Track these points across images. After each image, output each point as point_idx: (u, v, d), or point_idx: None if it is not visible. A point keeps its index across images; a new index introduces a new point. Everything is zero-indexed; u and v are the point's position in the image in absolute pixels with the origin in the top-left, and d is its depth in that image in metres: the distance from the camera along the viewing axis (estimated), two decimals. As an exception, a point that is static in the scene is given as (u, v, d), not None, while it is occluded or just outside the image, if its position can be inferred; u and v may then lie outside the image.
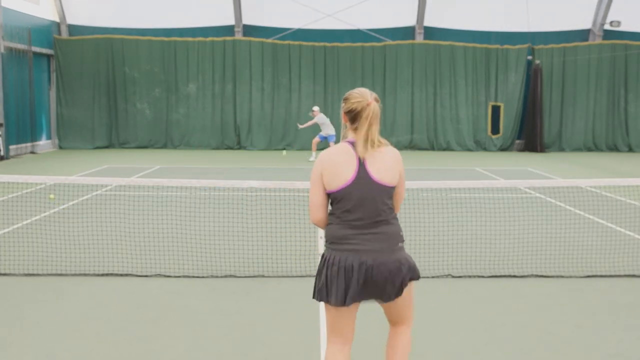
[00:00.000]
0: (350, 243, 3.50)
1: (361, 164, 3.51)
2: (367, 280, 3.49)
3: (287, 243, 8.31)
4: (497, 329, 5.60)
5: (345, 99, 3.62)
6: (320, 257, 3.68)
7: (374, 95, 3.60)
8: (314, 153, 21.11)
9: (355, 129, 3.58)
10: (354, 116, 3.57)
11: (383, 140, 3.61)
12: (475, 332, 5.54)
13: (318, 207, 3.61)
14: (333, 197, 3.58)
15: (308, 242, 8.42)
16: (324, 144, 21.54)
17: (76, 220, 10.16)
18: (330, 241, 3.59)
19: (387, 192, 3.56)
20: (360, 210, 3.51)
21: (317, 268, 3.71)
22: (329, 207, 3.67)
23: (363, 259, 3.47)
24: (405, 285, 3.58)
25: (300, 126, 22.33)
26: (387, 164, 3.55)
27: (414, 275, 3.63)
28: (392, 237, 3.55)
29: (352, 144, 3.58)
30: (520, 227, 9.50)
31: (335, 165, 3.53)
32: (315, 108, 21.54)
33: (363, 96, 3.55)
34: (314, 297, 3.66)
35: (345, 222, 3.53)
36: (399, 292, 3.57)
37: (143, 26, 25.41)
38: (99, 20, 25.40)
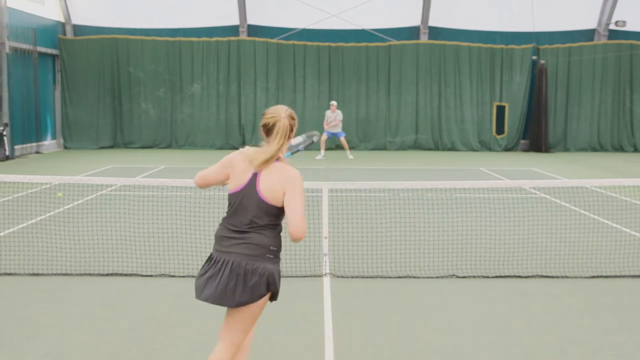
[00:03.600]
0: (223, 245, 3.75)
1: (254, 176, 3.72)
2: (229, 280, 3.64)
3: (291, 243, 8.30)
4: (501, 329, 5.59)
5: (263, 114, 3.86)
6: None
7: (289, 112, 3.82)
8: (322, 151, 21.08)
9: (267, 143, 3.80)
10: (267, 130, 3.80)
11: (282, 161, 3.76)
12: (479, 332, 5.54)
13: (208, 177, 3.92)
14: (229, 199, 3.80)
15: (311, 243, 8.42)
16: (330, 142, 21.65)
17: (81, 220, 10.18)
18: (215, 239, 3.85)
19: (266, 208, 3.68)
20: (237, 217, 3.73)
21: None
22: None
23: (230, 260, 3.67)
24: (262, 294, 3.66)
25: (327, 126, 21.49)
26: (274, 182, 3.67)
27: (273, 287, 3.70)
28: (259, 246, 3.67)
29: None
30: (525, 228, 9.48)
31: (238, 167, 3.77)
32: (334, 102, 21.68)
33: (277, 112, 3.79)
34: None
35: (226, 225, 3.79)
36: (253, 298, 3.64)
37: (148, 26, 25.44)
38: (104, 21, 25.45)
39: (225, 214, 3.87)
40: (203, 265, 3.87)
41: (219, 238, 3.82)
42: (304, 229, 3.57)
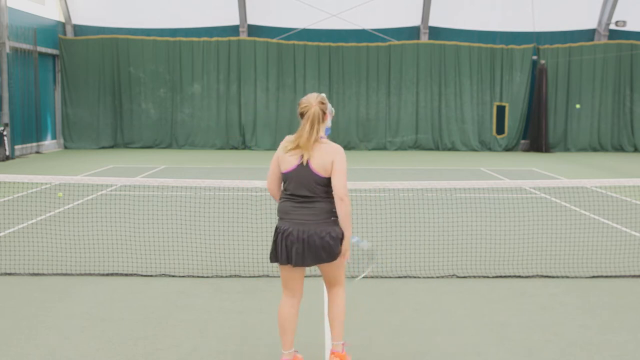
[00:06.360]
0: (292, 215, 4.39)
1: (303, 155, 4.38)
2: (304, 245, 4.34)
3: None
4: (501, 329, 5.59)
5: (298, 104, 4.47)
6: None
7: (320, 98, 4.41)
8: None
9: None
10: (302, 117, 4.41)
11: (324, 139, 4.41)
12: (479, 332, 5.53)
13: (272, 180, 4.55)
14: (283, 178, 4.47)
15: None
16: None
17: (81, 220, 10.18)
18: (279, 214, 4.50)
19: (319, 180, 4.34)
20: (299, 191, 4.38)
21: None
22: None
23: (301, 229, 4.33)
24: (337, 252, 4.36)
25: None
26: (322, 157, 4.33)
27: (338, 245, 4.37)
28: (322, 211, 4.36)
29: None
30: (525, 228, 9.48)
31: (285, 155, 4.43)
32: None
33: (309, 101, 4.40)
34: (270, 261, 4.52)
35: (289, 199, 4.43)
36: (332, 256, 4.36)
37: (148, 26, 25.46)
38: (104, 21, 25.46)
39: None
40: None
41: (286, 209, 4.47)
42: (346, 190, 4.31)
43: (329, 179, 4.33)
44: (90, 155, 22.00)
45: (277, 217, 4.51)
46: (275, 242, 4.45)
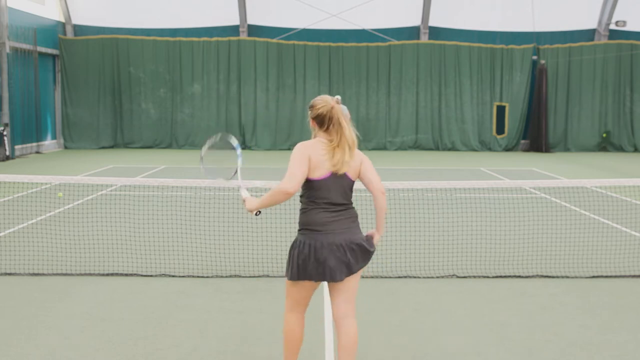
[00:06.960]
0: (332, 226, 4.06)
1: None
2: (355, 254, 4.10)
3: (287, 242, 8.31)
4: (501, 329, 5.59)
5: (311, 107, 4.15)
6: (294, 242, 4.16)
7: (335, 98, 4.12)
8: None
9: (326, 130, 4.11)
10: (321, 120, 4.09)
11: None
12: (479, 332, 5.53)
13: (299, 183, 3.99)
14: (310, 186, 4.06)
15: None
16: None
17: (81, 220, 10.18)
18: (311, 226, 4.08)
19: (351, 185, 4.17)
20: (338, 198, 4.09)
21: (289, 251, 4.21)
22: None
23: (347, 238, 4.07)
24: (372, 251, 4.17)
25: None
26: (353, 161, 4.11)
27: (371, 245, 4.20)
28: (355, 217, 4.20)
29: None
30: (525, 228, 9.48)
31: (319, 156, 4.03)
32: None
33: (326, 101, 4.09)
34: (291, 279, 4.16)
35: (325, 210, 4.07)
36: (369, 256, 4.16)
37: (148, 26, 25.46)
38: (104, 21, 25.47)
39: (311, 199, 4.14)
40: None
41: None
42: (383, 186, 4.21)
43: (354, 183, 4.21)
44: (90, 155, 22.00)
45: (305, 230, 4.10)
46: (303, 257, 4.05)
